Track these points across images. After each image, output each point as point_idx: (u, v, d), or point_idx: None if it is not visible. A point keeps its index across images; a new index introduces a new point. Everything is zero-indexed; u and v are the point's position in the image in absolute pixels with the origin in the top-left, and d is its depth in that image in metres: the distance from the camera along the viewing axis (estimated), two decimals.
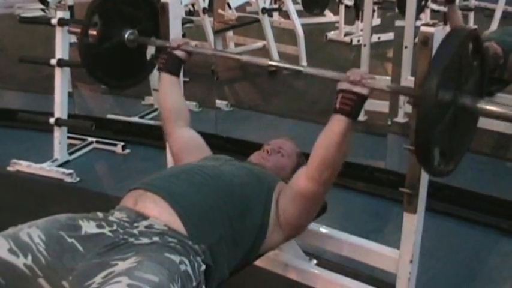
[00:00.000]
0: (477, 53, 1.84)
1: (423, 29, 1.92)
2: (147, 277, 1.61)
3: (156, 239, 1.81)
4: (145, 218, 1.91)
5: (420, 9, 4.94)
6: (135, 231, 1.85)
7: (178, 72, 2.55)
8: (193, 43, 2.55)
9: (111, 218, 1.91)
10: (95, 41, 2.52)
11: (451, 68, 1.67)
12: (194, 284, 1.76)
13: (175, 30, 2.61)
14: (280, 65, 2.32)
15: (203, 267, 1.84)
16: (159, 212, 1.92)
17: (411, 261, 2.21)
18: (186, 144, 2.47)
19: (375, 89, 1.99)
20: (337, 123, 1.98)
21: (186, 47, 2.50)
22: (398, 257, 2.25)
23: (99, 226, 1.86)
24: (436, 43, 1.91)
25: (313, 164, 2.04)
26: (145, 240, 1.80)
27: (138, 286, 1.57)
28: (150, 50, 2.81)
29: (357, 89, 1.97)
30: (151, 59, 2.73)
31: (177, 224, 1.90)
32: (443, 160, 1.79)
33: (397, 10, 4.89)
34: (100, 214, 1.94)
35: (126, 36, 2.58)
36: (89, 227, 1.85)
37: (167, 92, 2.52)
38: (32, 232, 1.79)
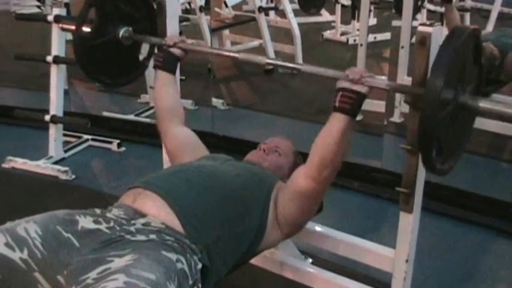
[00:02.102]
0: (477, 52, 1.84)
1: (421, 28, 1.92)
2: (144, 275, 1.60)
3: (152, 236, 1.81)
4: (143, 215, 1.90)
5: (417, 9, 4.94)
6: (132, 228, 1.84)
7: (174, 70, 2.54)
8: (189, 41, 2.54)
9: (108, 215, 1.91)
10: (90, 35, 2.51)
11: (453, 66, 1.68)
12: (190, 282, 1.75)
13: (172, 28, 2.61)
14: (278, 63, 2.31)
15: (199, 265, 1.84)
16: (157, 211, 1.92)
17: (407, 261, 2.21)
18: (181, 143, 2.46)
19: (374, 88, 1.99)
20: (337, 122, 1.99)
21: (182, 45, 2.50)
22: (394, 256, 2.25)
23: (96, 222, 1.85)
24: (433, 43, 1.91)
25: (313, 163, 2.04)
26: (142, 238, 1.80)
27: (135, 284, 1.57)
28: (144, 50, 2.81)
29: (357, 88, 1.97)
30: (145, 58, 2.72)
31: (175, 223, 1.90)
32: (440, 158, 1.79)
33: (393, 10, 4.90)
34: (98, 210, 1.94)
35: (121, 33, 2.57)
36: (86, 222, 1.85)
37: (163, 90, 2.51)
38: (29, 227, 1.79)
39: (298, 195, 2.11)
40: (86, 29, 2.50)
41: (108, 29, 2.54)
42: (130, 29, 2.58)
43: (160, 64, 2.51)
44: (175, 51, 2.50)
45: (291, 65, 2.26)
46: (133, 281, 1.57)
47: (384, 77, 4.84)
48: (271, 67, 6.31)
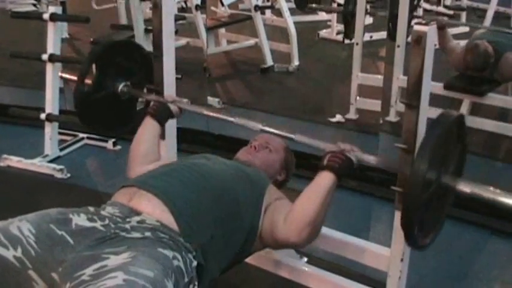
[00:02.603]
0: (461, 138, 1.86)
1: (416, 28, 1.93)
2: (142, 272, 1.61)
3: (148, 234, 1.81)
4: (138, 213, 1.91)
5: (412, 8, 4.95)
6: (127, 226, 1.84)
7: (164, 123, 2.54)
8: (185, 100, 2.54)
9: (103, 213, 1.91)
10: (90, 90, 2.53)
11: (437, 153, 1.72)
12: (186, 279, 1.76)
13: (168, 26, 2.61)
14: (272, 131, 2.32)
15: (195, 263, 1.85)
16: (151, 209, 1.93)
17: (402, 260, 2.22)
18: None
19: (363, 162, 2.09)
20: (323, 179, 2.04)
21: (180, 104, 2.51)
22: (390, 255, 2.25)
23: (91, 220, 1.86)
24: (429, 42, 1.92)
25: (293, 220, 2.04)
26: (137, 235, 1.80)
27: (134, 281, 1.57)
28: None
29: (347, 154, 2.05)
30: (141, 109, 2.73)
31: (170, 221, 1.90)
32: (421, 234, 1.83)
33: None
34: (92, 208, 1.95)
35: (119, 87, 2.57)
36: (80, 220, 1.85)
37: (144, 137, 2.46)
38: (22, 225, 1.79)
39: (278, 243, 2.13)
40: (88, 81, 2.51)
41: (108, 83, 2.57)
42: (129, 83, 2.59)
43: (153, 112, 2.49)
44: (172, 106, 2.50)
45: (283, 134, 2.28)
46: (132, 278, 1.58)
47: (379, 76, 4.88)
48: (266, 66, 6.35)
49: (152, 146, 2.46)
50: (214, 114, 2.54)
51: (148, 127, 2.48)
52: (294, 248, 2.20)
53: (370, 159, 2.07)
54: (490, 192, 1.74)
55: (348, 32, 5.20)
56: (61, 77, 2.70)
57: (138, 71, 2.65)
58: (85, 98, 2.52)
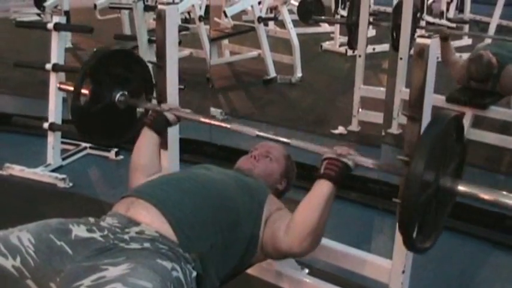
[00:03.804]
0: (459, 138, 1.85)
1: (419, 40, 1.94)
2: (141, 283, 1.61)
3: (147, 245, 1.81)
4: (137, 224, 1.91)
5: (415, 21, 4.97)
6: (126, 236, 1.85)
7: (162, 133, 2.52)
8: (185, 110, 2.53)
9: (102, 224, 1.91)
10: (86, 102, 2.49)
11: (435, 152, 1.70)
12: None
13: (171, 37, 2.62)
14: (268, 136, 2.31)
15: (194, 274, 1.84)
16: (150, 219, 1.92)
17: (403, 272, 2.21)
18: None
19: (360, 165, 2.06)
20: (321, 188, 2.03)
21: (176, 112, 2.49)
22: (391, 267, 2.25)
23: (90, 231, 1.86)
24: (431, 55, 1.93)
25: (294, 231, 2.04)
26: (136, 246, 1.80)
27: None
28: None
29: (343, 159, 2.03)
30: (141, 116, 2.72)
31: (168, 232, 1.90)
32: (420, 237, 1.81)
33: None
34: (91, 219, 1.94)
35: (116, 97, 2.55)
36: (79, 231, 1.85)
37: (144, 148, 2.45)
38: (22, 235, 1.80)
39: (279, 253, 2.13)
40: (84, 92, 2.49)
41: (104, 94, 2.52)
42: (126, 93, 2.56)
43: (150, 123, 2.47)
44: (169, 115, 2.47)
45: (279, 138, 2.26)
46: None
47: (382, 88, 4.89)
48: (269, 77, 6.36)
49: (152, 157, 2.44)
50: (211, 122, 2.53)
51: (146, 138, 2.47)
52: (295, 258, 2.20)
53: (368, 162, 2.05)
54: (490, 194, 1.73)
55: (352, 42, 5.22)
56: (59, 88, 2.67)
57: (134, 79, 2.63)
58: (82, 111, 2.51)
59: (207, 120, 2.53)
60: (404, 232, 1.74)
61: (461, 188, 1.79)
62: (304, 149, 2.17)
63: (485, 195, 1.74)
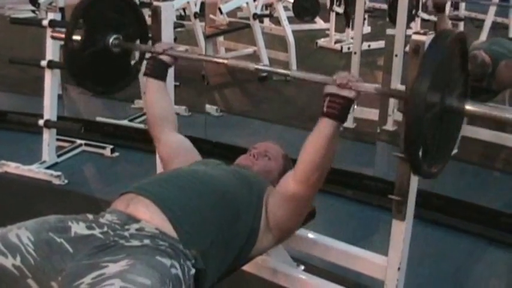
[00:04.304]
0: (464, 59, 1.84)
1: (415, 37, 1.94)
2: (140, 280, 1.61)
3: (147, 241, 1.81)
4: (137, 221, 1.90)
5: (411, 18, 4.98)
6: (126, 233, 1.84)
7: (165, 77, 2.52)
8: (181, 47, 2.53)
9: (101, 220, 1.90)
10: (80, 46, 2.49)
11: (439, 68, 1.68)
12: (183, 287, 1.76)
13: (167, 33, 2.61)
14: (267, 69, 2.31)
15: (193, 271, 1.84)
16: (150, 216, 1.92)
17: (399, 269, 2.22)
18: (175, 150, 2.45)
19: (362, 92, 1.99)
20: (324, 127, 2.00)
21: (171, 52, 2.48)
22: (386, 264, 2.25)
23: (90, 227, 1.85)
24: None
25: (301, 168, 2.04)
26: (136, 243, 1.80)
27: None
28: (135, 55, 2.79)
29: (344, 93, 1.98)
30: (135, 63, 2.71)
31: (168, 228, 1.89)
32: (426, 161, 1.79)
33: (387, 19, 4.94)
34: (90, 216, 1.93)
35: (110, 41, 2.54)
36: (78, 228, 1.84)
37: (154, 98, 2.49)
38: (21, 233, 1.79)
39: (287, 199, 2.12)
40: (76, 37, 2.47)
41: (98, 37, 2.51)
42: (120, 36, 2.57)
43: (150, 71, 2.48)
44: (165, 58, 2.47)
45: (280, 70, 2.26)
46: (129, 286, 1.58)
47: (377, 85, 4.89)
48: (264, 74, 6.36)
49: (165, 104, 2.50)
50: (206, 58, 2.53)
51: (151, 87, 2.49)
52: (306, 199, 2.15)
53: (370, 87, 2.00)
54: (497, 110, 1.72)
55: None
56: (52, 37, 2.65)
57: (128, 23, 2.61)
58: (75, 54, 2.48)
59: (202, 57, 2.54)
60: (410, 151, 1.71)
61: (468, 107, 1.78)
62: (304, 79, 2.15)
63: (493, 112, 1.73)
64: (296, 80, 2.23)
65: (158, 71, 2.49)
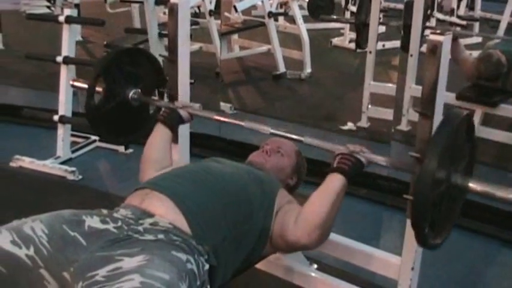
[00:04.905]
0: (470, 132, 1.86)
1: (432, 37, 1.93)
2: (159, 275, 1.62)
3: (161, 236, 1.82)
4: (151, 215, 1.91)
5: (426, 18, 4.95)
6: (140, 228, 1.85)
7: (175, 129, 2.54)
8: (197, 105, 2.54)
9: (116, 215, 1.91)
10: (100, 102, 2.53)
11: (447, 151, 1.71)
12: (198, 283, 1.76)
13: (183, 31, 2.62)
14: (281, 134, 2.32)
15: (207, 266, 1.84)
16: (164, 211, 1.93)
17: (412, 269, 2.22)
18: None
19: (373, 163, 2.08)
20: (332, 181, 2.05)
21: (190, 110, 2.51)
22: (400, 263, 2.25)
23: (104, 222, 1.86)
24: (444, 51, 1.92)
25: (304, 222, 2.05)
26: (150, 237, 1.81)
27: (151, 284, 1.58)
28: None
29: (357, 155, 2.06)
30: (154, 113, 2.73)
31: (182, 223, 1.90)
32: (432, 233, 1.82)
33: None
34: (104, 211, 1.95)
35: (130, 95, 2.57)
36: (92, 222, 1.85)
37: (156, 143, 2.48)
38: (35, 225, 1.80)
39: (289, 245, 2.12)
40: (98, 89, 2.51)
41: (117, 93, 2.56)
42: (139, 90, 2.59)
43: (164, 118, 2.49)
44: (183, 112, 2.49)
45: (294, 136, 2.27)
46: (149, 281, 1.59)
47: (391, 85, 4.88)
48: (278, 72, 6.37)
49: (164, 152, 2.47)
50: (225, 119, 2.53)
51: (159, 133, 2.49)
52: (304, 250, 2.20)
53: (381, 160, 2.06)
54: (501, 191, 1.73)
55: (360, 42, 5.21)
56: (72, 86, 2.68)
57: (146, 75, 2.64)
58: (97, 109, 2.53)
59: (220, 118, 2.54)
60: (417, 228, 1.75)
61: (472, 185, 1.80)
62: (317, 147, 2.18)
63: (496, 192, 1.74)
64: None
65: (172, 121, 2.50)
